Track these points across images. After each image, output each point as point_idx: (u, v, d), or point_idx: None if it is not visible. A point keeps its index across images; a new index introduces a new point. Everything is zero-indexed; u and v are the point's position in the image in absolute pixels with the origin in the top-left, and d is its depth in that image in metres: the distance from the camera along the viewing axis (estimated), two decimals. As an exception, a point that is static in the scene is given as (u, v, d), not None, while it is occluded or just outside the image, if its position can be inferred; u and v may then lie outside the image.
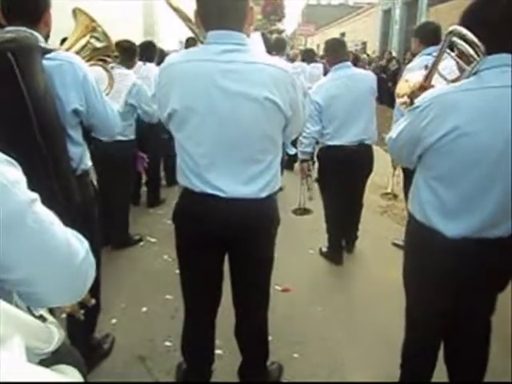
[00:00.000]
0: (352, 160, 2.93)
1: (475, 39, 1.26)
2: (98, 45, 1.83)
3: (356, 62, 7.18)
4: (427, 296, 1.55)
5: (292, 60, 7.05)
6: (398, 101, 1.69)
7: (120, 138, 2.98)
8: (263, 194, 1.50)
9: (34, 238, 0.64)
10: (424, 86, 1.50)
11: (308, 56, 6.14)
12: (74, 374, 0.73)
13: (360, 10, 20.15)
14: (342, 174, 2.99)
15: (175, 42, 16.50)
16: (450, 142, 1.30)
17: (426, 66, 1.53)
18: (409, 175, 2.77)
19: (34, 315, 0.74)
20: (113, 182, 3.24)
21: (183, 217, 1.60)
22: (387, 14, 16.28)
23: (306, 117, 1.69)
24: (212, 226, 1.51)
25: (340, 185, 3.05)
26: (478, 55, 1.28)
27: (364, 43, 16.32)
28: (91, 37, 1.80)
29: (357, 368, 2.14)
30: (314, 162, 3.50)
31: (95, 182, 3.10)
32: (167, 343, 2.24)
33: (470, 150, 1.28)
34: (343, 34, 22.46)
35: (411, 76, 1.70)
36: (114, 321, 2.24)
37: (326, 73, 4.25)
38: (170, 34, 17.15)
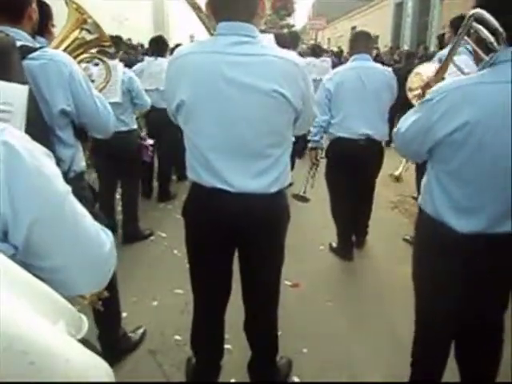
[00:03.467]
0: (359, 155, 2.91)
1: (497, 24, 1.21)
2: (89, 37, 1.77)
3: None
4: (437, 293, 1.53)
5: (301, 55, 7.12)
6: (411, 94, 1.66)
7: (122, 128, 3.07)
8: (273, 190, 1.49)
9: (69, 227, 0.69)
10: (438, 78, 1.47)
11: (315, 51, 6.29)
12: (99, 360, 0.76)
13: (372, 2, 19.87)
14: (349, 169, 2.97)
15: (186, 36, 16.52)
16: (461, 137, 1.27)
17: (440, 60, 1.49)
18: (421, 168, 2.74)
19: None
20: (119, 175, 3.30)
21: (192, 211, 1.60)
22: (399, 6, 16.05)
23: (316, 112, 1.66)
24: (221, 221, 1.51)
25: (347, 180, 3.05)
26: (499, 43, 1.22)
27: (376, 37, 16.11)
28: (82, 29, 1.74)
29: (366, 363, 2.14)
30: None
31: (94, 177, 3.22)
32: (177, 337, 2.25)
33: (482, 145, 1.25)
34: (354, 28, 22.23)
35: (422, 69, 1.68)
36: (124, 314, 2.26)
37: (334, 66, 4.22)
38: (181, 29, 17.16)
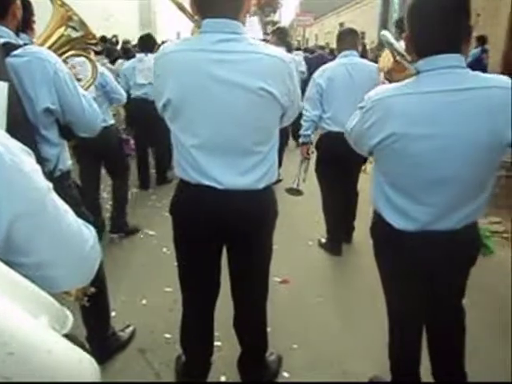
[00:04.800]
0: (350, 149, 2.91)
1: (399, 48, 1.30)
2: (75, 34, 1.75)
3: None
4: (394, 290, 1.58)
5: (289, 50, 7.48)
6: (382, 75, 1.67)
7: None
8: (260, 185, 1.49)
9: (52, 223, 0.69)
10: (398, 68, 1.45)
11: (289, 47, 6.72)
12: (84, 355, 0.77)
13: (359, -2, 19.95)
14: (340, 163, 3.00)
15: (173, 33, 16.39)
16: (389, 147, 1.31)
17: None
18: None
19: None
20: (108, 172, 3.36)
21: (180, 209, 1.60)
22: (386, 3, 16.11)
23: (301, 105, 1.66)
24: (209, 218, 1.51)
25: (337, 174, 3.10)
26: (410, 62, 1.29)
27: (363, 33, 16.18)
28: (67, 27, 1.72)
29: (356, 359, 2.16)
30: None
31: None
32: (167, 335, 2.25)
33: (409, 154, 1.29)
34: (342, 24, 22.26)
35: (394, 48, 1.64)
36: (113, 314, 2.24)
37: (324, 62, 4.31)
38: (168, 26, 17.03)
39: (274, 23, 21.84)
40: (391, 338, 1.69)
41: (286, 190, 3.30)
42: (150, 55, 4.28)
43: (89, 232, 0.79)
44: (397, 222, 1.40)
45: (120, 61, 4.97)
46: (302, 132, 3.14)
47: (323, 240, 3.39)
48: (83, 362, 0.61)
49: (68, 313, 0.73)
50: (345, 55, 3.00)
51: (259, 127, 1.45)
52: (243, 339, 1.84)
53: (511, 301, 2.14)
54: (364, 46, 5.57)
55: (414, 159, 1.29)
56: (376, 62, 3.22)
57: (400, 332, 1.67)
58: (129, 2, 14.94)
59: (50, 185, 0.70)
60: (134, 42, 9.84)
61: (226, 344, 2.11)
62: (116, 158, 3.41)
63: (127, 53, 6.10)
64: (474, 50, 8.13)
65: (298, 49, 9.05)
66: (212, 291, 1.73)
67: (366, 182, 3.58)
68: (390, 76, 1.51)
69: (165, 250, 3.15)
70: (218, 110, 1.38)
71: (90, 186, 3.34)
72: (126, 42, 8.09)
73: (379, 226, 1.50)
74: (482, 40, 8.04)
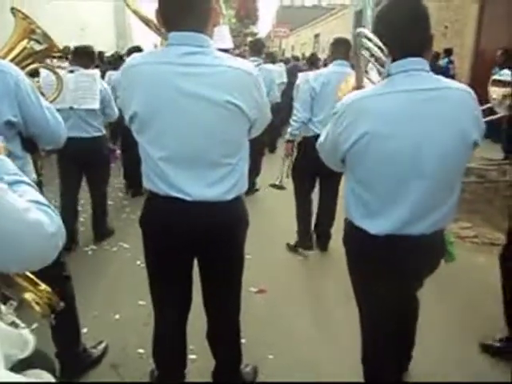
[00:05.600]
0: None
1: (378, 41, 1.32)
2: (38, 48, 1.74)
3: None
4: (365, 296, 1.62)
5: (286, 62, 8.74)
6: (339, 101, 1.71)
7: (95, 133, 3.33)
8: (229, 197, 1.49)
9: (12, 223, 0.73)
10: (358, 87, 1.51)
11: (274, 58, 7.18)
12: (47, 376, 0.80)
13: (333, 11, 20.35)
14: (321, 166, 3.06)
15: (150, 44, 16.34)
16: (362, 147, 1.34)
17: (367, 71, 1.53)
18: None
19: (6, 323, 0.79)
20: (91, 178, 3.49)
21: (150, 221, 1.58)
22: (359, 14, 16.50)
23: (269, 116, 1.68)
24: (179, 230, 1.49)
25: (314, 180, 3.29)
26: (386, 57, 1.32)
27: (338, 44, 16.62)
28: (30, 39, 1.71)
29: (332, 366, 2.16)
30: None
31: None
32: (140, 350, 2.20)
33: (382, 153, 1.32)
34: (317, 36, 22.67)
35: (351, 77, 1.72)
36: (85, 330, 2.19)
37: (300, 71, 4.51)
38: (144, 37, 16.98)
39: (254, 34, 22.08)
40: (364, 343, 1.71)
41: (270, 185, 3.57)
42: None
43: (50, 221, 0.82)
44: (371, 227, 1.42)
45: (109, 72, 4.95)
46: (290, 130, 3.25)
47: (292, 242, 3.47)
48: None
49: (29, 337, 0.75)
50: (338, 64, 3.10)
51: (226, 140, 1.44)
52: (217, 351, 1.82)
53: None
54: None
55: (388, 158, 1.32)
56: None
57: (373, 337, 1.69)
58: (104, 13, 14.89)
59: (5, 186, 0.73)
60: (109, 53, 9.78)
61: (200, 356, 2.08)
62: (103, 166, 3.55)
63: (114, 64, 6.16)
64: (441, 61, 8.46)
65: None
66: (184, 304, 1.71)
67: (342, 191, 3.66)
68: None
69: (139, 262, 3.10)
70: (185, 123, 1.38)
71: (73, 193, 3.44)
72: (100, 54, 8.04)
73: (352, 233, 1.52)
74: (448, 52, 8.66)
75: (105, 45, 10.69)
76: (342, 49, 3.14)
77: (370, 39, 1.33)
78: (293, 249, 3.45)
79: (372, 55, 1.38)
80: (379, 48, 1.32)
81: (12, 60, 1.65)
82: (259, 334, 2.31)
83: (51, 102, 1.80)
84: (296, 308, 2.67)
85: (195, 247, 1.58)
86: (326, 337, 2.40)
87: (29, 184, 0.87)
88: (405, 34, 1.32)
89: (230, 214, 1.53)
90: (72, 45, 3.97)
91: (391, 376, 1.71)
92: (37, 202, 0.83)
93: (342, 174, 3.18)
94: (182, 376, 1.82)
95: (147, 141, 1.44)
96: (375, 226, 1.42)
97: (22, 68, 1.65)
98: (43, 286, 1.14)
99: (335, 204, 3.39)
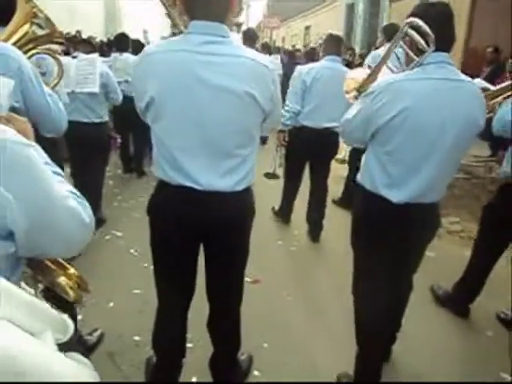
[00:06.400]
0: (320, 144, 3.29)
1: (429, 30, 1.48)
2: (40, 32, 1.70)
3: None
4: (374, 261, 1.76)
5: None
6: (348, 96, 1.89)
7: (95, 119, 3.35)
8: (239, 188, 1.50)
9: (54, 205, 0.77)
10: (371, 79, 1.71)
11: (269, 49, 7.35)
12: (82, 359, 0.83)
13: (324, 3, 20.27)
14: (309, 156, 3.43)
15: (139, 30, 16.06)
16: (399, 122, 1.54)
17: (370, 66, 1.77)
18: (354, 155, 3.29)
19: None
20: (87, 163, 3.42)
21: (159, 209, 1.58)
22: (350, 8, 16.48)
23: (281, 113, 1.74)
24: (189, 219, 1.50)
25: (304, 165, 3.53)
26: (428, 45, 1.51)
27: (328, 37, 16.58)
28: (32, 24, 1.67)
29: (326, 355, 2.21)
30: None
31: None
32: (136, 338, 2.22)
33: (415, 126, 1.54)
34: (308, 28, 22.59)
35: (355, 74, 1.94)
36: (79, 317, 2.19)
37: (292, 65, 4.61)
38: (134, 23, 16.69)
39: (239, 25, 21.85)
40: (359, 315, 1.92)
41: (263, 175, 3.76)
42: (124, 54, 4.58)
43: (84, 212, 0.86)
44: (393, 196, 1.63)
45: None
46: (282, 120, 3.32)
47: (276, 208, 3.80)
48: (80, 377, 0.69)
49: (69, 322, 0.79)
50: (331, 59, 3.25)
51: (241, 130, 1.46)
52: (217, 340, 1.84)
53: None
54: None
55: (419, 131, 1.54)
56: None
57: (368, 308, 1.83)
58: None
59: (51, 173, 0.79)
60: (99, 38, 9.62)
61: (197, 345, 2.11)
62: (100, 153, 3.55)
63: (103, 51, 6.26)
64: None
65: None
66: (188, 292, 1.72)
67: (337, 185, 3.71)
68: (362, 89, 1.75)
69: (132, 251, 3.11)
70: (201, 111, 1.38)
71: (80, 172, 3.46)
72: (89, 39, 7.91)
73: (370, 201, 1.72)
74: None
75: (94, 30, 10.49)
76: (334, 45, 3.31)
77: (420, 28, 1.49)
78: (275, 212, 3.82)
79: (411, 45, 1.59)
80: (427, 37, 1.49)
81: (14, 44, 1.62)
82: (254, 322, 2.34)
83: (52, 87, 1.77)
84: (290, 298, 2.72)
85: (204, 236, 1.59)
86: (320, 326, 2.44)
87: (60, 174, 0.88)
88: (446, 29, 1.55)
89: (240, 205, 1.55)
90: (62, 30, 3.93)
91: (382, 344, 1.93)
92: (71, 192, 0.85)
93: (331, 160, 3.42)
94: (179, 364, 1.84)
95: (162, 128, 1.44)
96: (397, 195, 1.63)
97: (24, 53, 1.62)
98: (72, 270, 1.13)
99: (326, 190, 3.55)
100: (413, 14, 1.57)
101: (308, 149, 3.34)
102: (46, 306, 0.69)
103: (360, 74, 1.83)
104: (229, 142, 1.44)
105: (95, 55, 3.32)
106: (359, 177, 1.79)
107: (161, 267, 1.66)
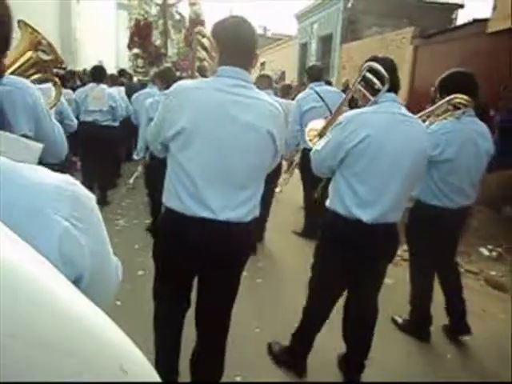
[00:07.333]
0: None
1: (384, 72, 1.84)
2: (46, 57, 1.78)
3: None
4: (334, 281, 2.02)
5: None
6: (311, 143, 2.28)
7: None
8: (247, 219, 1.62)
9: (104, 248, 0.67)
10: (331, 123, 2.10)
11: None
12: None
13: (280, 41, 21.24)
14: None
15: (95, 61, 16.00)
16: (363, 147, 1.81)
17: (326, 117, 2.29)
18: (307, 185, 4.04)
19: None
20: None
21: (170, 236, 1.68)
22: (304, 47, 17.35)
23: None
24: (197, 246, 1.59)
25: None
26: (383, 85, 1.86)
27: (283, 72, 17.30)
28: (36, 50, 1.75)
29: (319, 340, 2.22)
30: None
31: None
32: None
33: (376, 151, 1.80)
34: (263, 64, 23.45)
35: (312, 125, 2.39)
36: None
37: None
38: (91, 54, 16.66)
39: (202, 60, 22.23)
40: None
41: None
42: (101, 85, 4.92)
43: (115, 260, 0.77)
44: (364, 215, 1.84)
45: (64, 90, 5.09)
46: (288, 141, 3.81)
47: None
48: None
49: None
50: (318, 85, 4.15)
51: (257, 165, 1.61)
52: (200, 366, 1.87)
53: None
54: (289, 85, 6.08)
55: (380, 156, 1.81)
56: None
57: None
58: (50, 28, 14.51)
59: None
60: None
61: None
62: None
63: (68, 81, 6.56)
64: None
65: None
66: (185, 304, 1.85)
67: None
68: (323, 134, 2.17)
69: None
70: (228, 145, 1.52)
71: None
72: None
73: (339, 221, 1.92)
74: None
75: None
76: (318, 73, 4.27)
77: (376, 73, 1.82)
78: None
79: (367, 86, 1.94)
80: (383, 79, 1.84)
81: (15, 70, 1.74)
82: (246, 308, 2.40)
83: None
84: (282, 283, 2.84)
85: (208, 262, 1.66)
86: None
87: None
88: (394, 74, 1.91)
89: (247, 235, 1.68)
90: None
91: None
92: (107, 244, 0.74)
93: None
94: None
95: (186, 157, 1.54)
96: (367, 214, 1.85)
97: (27, 77, 1.74)
98: None
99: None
100: (381, 60, 1.92)
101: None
102: None
103: (316, 124, 2.30)
104: (245, 174, 1.58)
105: (49, 84, 3.35)
106: (328, 202, 1.99)
107: (162, 282, 1.80)
